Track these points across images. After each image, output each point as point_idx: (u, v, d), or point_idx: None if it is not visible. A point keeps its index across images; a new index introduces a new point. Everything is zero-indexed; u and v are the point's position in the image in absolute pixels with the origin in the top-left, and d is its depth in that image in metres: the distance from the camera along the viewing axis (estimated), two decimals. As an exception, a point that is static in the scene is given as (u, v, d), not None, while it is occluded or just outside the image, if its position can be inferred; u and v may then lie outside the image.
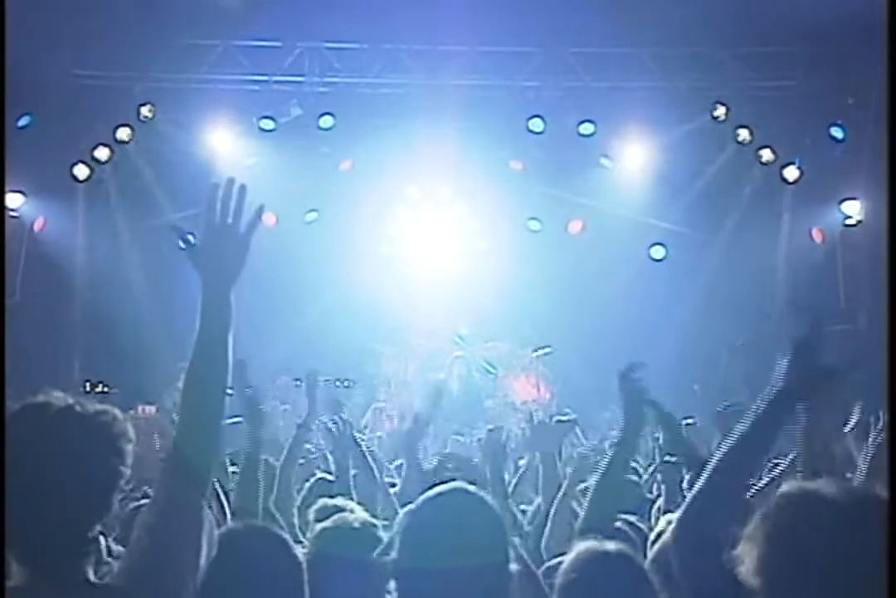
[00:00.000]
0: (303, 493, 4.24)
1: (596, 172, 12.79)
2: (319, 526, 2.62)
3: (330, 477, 4.35)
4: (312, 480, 4.44)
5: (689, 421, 5.84)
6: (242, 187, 2.07)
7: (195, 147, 12.39)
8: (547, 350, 13.00)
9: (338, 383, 11.54)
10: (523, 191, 12.89)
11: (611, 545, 2.35)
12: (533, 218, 13.26)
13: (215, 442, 1.96)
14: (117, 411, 1.87)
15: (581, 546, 2.36)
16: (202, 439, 1.94)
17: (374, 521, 2.69)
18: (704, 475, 1.91)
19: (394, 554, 1.90)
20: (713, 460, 1.93)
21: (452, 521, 1.90)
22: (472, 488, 2.02)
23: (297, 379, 10.77)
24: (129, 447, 1.85)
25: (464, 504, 1.95)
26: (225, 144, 12.48)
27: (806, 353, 2.01)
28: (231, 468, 4.32)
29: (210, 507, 1.95)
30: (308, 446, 5.06)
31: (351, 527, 2.55)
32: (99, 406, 1.86)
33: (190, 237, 2.11)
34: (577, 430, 6.32)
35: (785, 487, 1.59)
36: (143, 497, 4.05)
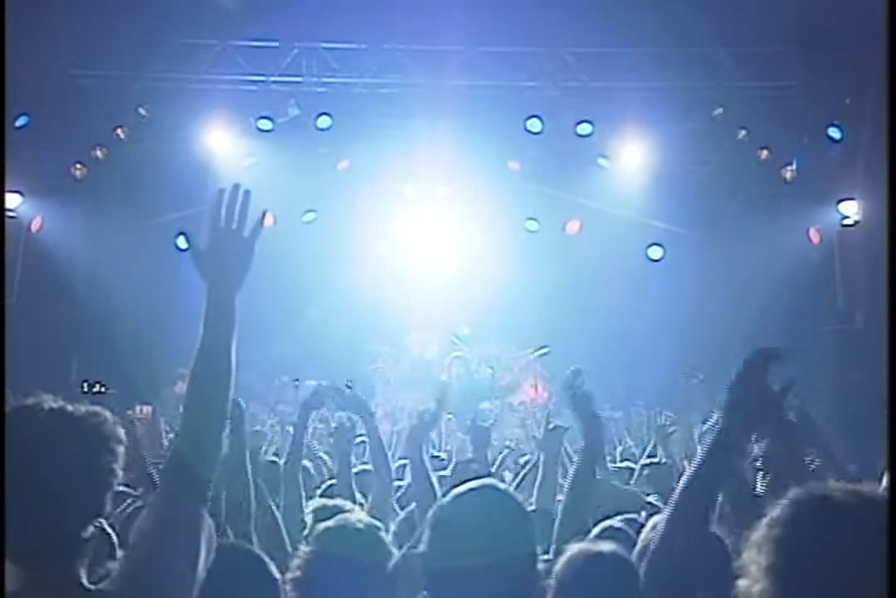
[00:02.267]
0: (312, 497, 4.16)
1: (593, 172, 12.80)
2: (322, 526, 2.61)
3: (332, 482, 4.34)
4: (324, 486, 4.40)
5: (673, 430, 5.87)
6: (247, 193, 2.09)
7: (193, 147, 12.37)
8: (545, 350, 13.01)
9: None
10: (521, 191, 12.90)
11: (605, 546, 2.34)
12: (531, 218, 13.29)
13: (217, 448, 1.94)
14: (108, 413, 1.86)
15: (574, 548, 2.35)
16: (204, 444, 1.93)
17: (377, 523, 2.68)
18: (669, 508, 1.94)
19: (423, 548, 1.90)
20: (673, 498, 1.94)
21: (483, 517, 1.90)
22: (501, 485, 2.02)
23: (295, 379, 10.78)
24: (121, 449, 1.84)
25: (495, 501, 1.95)
26: (222, 145, 12.47)
27: (744, 388, 1.97)
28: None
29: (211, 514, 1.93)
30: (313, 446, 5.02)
31: (354, 528, 2.53)
32: (90, 408, 1.85)
33: (192, 240, 2.12)
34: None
35: (795, 492, 1.57)
36: (139, 498, 4.06)
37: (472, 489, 1.98)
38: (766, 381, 1.97)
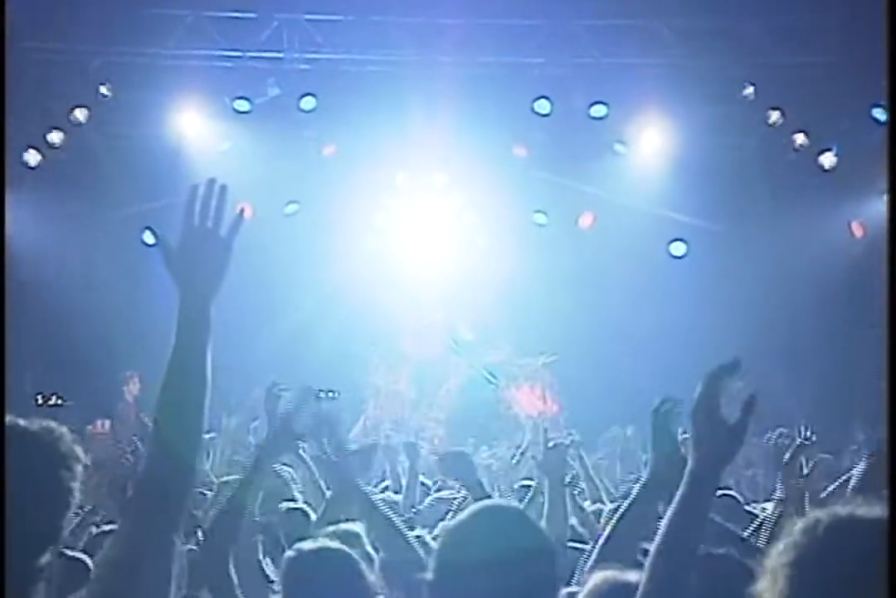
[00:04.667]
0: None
1: (609, 159, 12.86)
2: (296, 546, 2.65)
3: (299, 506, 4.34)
4: (285, 508, 4.42)
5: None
6: (223, 188, 2.13)
7: (161, 131, 12.40)
8: (554, 358, 13.04)
9: (321, 394, 11.51)
10: (527, 180, 12.95)
11: (632, 576, 2.36)
12: (538, 211, 13.32)
13: (191, 469, 1.98)
14: (65, 429, 1.88)
15: (599, 576, 2.37)
16: (177, 464, 1.95)
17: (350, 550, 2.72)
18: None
19: (430, 576, 1.92)
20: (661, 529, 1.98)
21: (497, 541, 1.91)
22: (516, 504, 2.13)
23: (280, 388, 10.76)
24: (78, 468, 1.85)
25: (510, 523, 1.97)
26: (194, 128, 12.51)
27: (701, 415, 2.03)
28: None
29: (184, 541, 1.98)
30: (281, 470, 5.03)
31: (330, 549, 2.59)
32: (45, 423, 1.86)
33: (161, 237, 2.17)
34: (581, 451, 6.32)
35: (815, 514, 1.61)
36: (103, 522, 4.08)
37: (482, 511, 2.00)
38: (720, 411, 2.03)
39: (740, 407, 2.03)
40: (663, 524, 1.91)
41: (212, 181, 2.13)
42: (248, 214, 2.53)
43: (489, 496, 3.97)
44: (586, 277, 12.83)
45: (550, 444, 4.42)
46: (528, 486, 5.25)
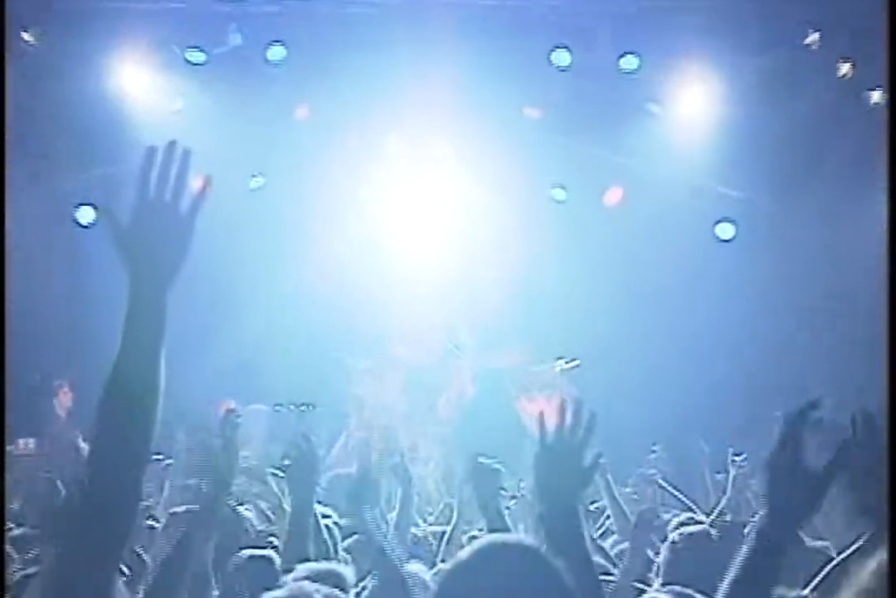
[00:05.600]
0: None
1: (641, 121, 12.87)
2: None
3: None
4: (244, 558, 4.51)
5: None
6: (186, 154, 2.15)
7: (100, 86, 12.36)
8: (575, 363, 13.05)
9: (292, 408, 11.63)
10: (543, 147, 12.91)
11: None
12: (556, 185, 13.32)
13: (135, 497, 2.01)
14: None
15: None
16: (118, 492, 1.97)
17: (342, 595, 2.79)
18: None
19: None
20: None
21: (503, 583, 2.00)
22: (529, 540, 2.12)
23: (278, 404, 10.93)
24: None
25: (520, 562, 2.04)
26: (141, 83, 12.50)
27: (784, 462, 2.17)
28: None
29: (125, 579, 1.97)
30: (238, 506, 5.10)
31: None
32: None
33: (106, 214, 2.18)
34: (608, 476, 6.37)
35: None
36: (29, 561, 4.08)
37: (487, 548, 2.06)
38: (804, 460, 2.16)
39: (829, 456, 2.14)
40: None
41: (173, 145, 2.14)
42: (203, 189, 2.55)
43: (508, 530, 4.02)
44: (614, 265, 12.83)
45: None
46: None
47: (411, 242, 13.56)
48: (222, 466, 4.02)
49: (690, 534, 4.66)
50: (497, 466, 4.52)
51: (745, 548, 2.09)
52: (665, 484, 7.50)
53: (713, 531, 4.70)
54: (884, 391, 2.45)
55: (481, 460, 4.49)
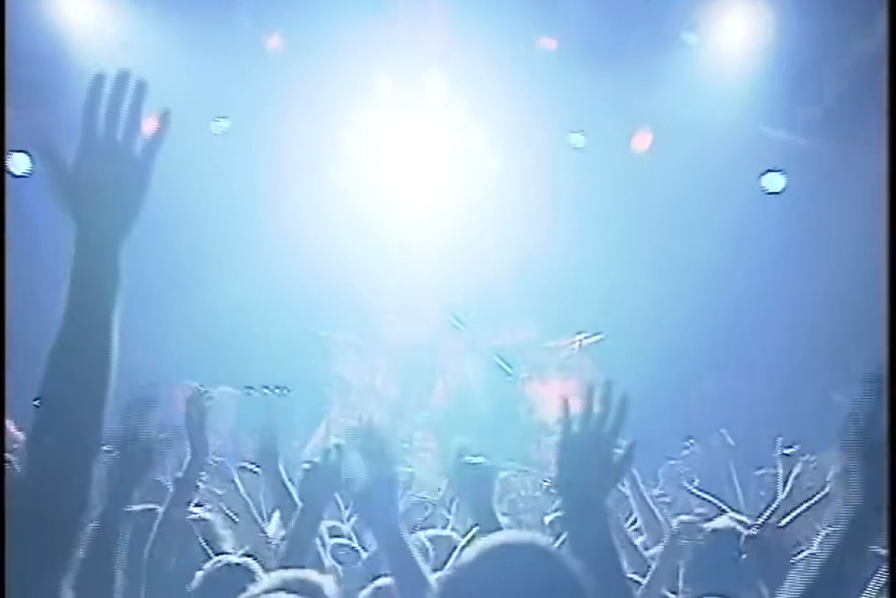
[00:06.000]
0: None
1: (674, 54, 12.82)
2: None
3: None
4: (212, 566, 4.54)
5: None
6: (142, 87, 2.14)
7: (34, 12, 12.26)
8: (597, 338, 13.13)
9: (266, 391, 11.66)
10: (559, 85, 12.88)
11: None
12: (575, 129, 13.31)
13: (84, 495, 2.01)
14: None
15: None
16: (63, 490, 1.98)
17: None
18: None
19: None
20: None
21: (515, 587, 2.04)
22: (544, 541, 2.16)
23: (248, 387, 11.01)
24: None
25: (535, 564, 2.10)
26: (85, 9, 12.41)
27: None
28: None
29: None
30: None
31: None
32: None
33: (46, 157, 2.14)
34: (635, 472, 6.41)
35: None
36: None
37: (497, 549, 2.11)
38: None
39: None
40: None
41: (125, 75, 2.13)
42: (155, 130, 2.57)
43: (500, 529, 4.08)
44: (643, 223, 12.86)
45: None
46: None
47: (403, 198, 13.58)
48: (189, 458, 4.00)
49: (717, 532, 4.70)
50: (480, 460, 4.48)
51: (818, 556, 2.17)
52: (698, 491, 7.50)
53: (748, 534, 4.71)
54: (885, 389, 2.52)
55: (467, 458, 4.48)
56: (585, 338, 13.24)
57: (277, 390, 11.81)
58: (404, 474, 6.87)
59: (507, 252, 13.16)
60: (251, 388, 10.82)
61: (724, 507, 6.97)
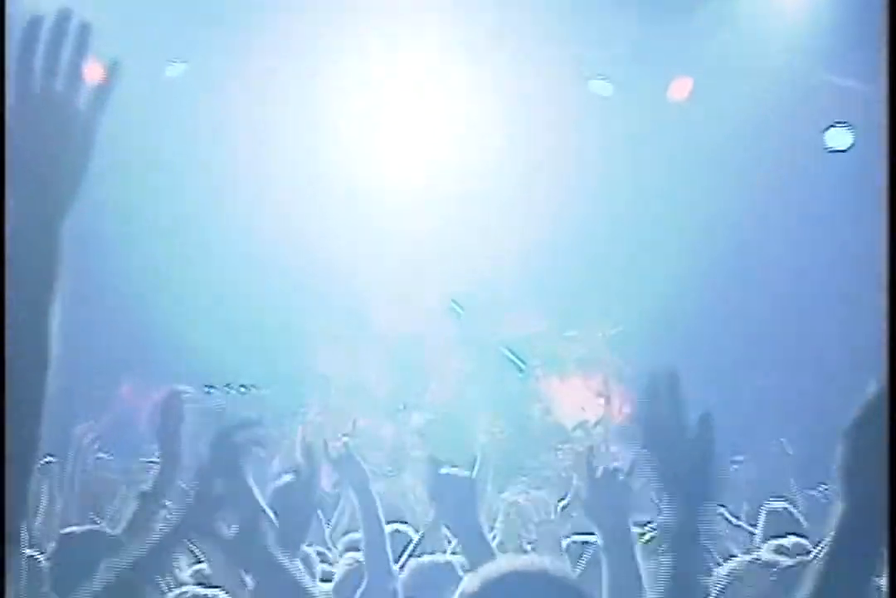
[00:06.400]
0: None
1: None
2: None
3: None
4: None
5: None
6: (85, 29, 2.17)
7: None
8: (621, 327, 13.23)
9: (229, 389, 11.68)
10: (579, 20, 12.78)
11: None
12: (600, 75, 13.39)
13: (22, 497, 2.07)
14: None
15: None
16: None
17: None
18: None
19: None
20: None
21: None
22: (559, 569, 2.29)
23: (209, 386, 11.12)
24: None
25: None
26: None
27: None
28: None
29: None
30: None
31: None
32: None
33: None
34: None
35: None
36: None
37: (503, 579, 2.23)
38: None
39: None
40: None
41: (65, 15, 2.15)
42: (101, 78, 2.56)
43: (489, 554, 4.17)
44: (680, 186, 12.78)
45: (598, 471, 4.44)
46: (588, 543, 5.29)
47: (394, 160, 13.56)
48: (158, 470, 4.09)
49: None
50: (465, 473, 4.66)
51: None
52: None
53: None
54: (885, 389, 2.63)
55: (444, 470, 4.65)
56: (611, 327, 13.31)
57: (243, 389, 12.00)
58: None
59: (519, 224, 13.11)
60: (212, 386, 10.97)
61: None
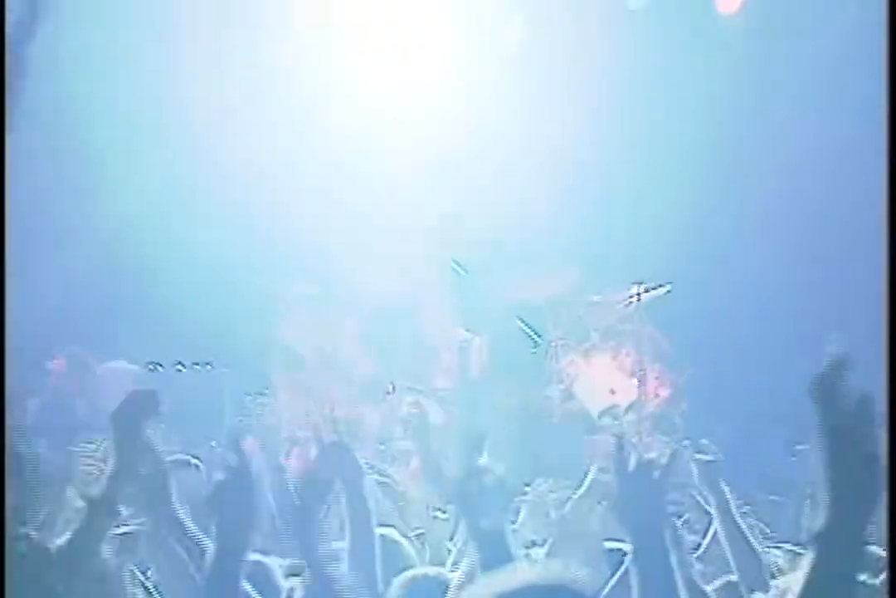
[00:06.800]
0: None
1: None
2: None
3: None
4: None
5: None
6: None
7: None
8: (663, 290, 13.16)
9: (181, 367, 12.04)
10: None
11: None
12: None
13: None
14: None
15: None
16: None
17: None
18: None
19: None
20: None
21: None
22: (579, 582, 2.51)
23: (153, 363, 11.55)
24: None
25: None
26: None
27: None
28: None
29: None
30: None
31: None
32: None
33: None
34: (723, 485, 6.54)
35: None
36: None
37: (522, 593, 2.42)
38: None
39: None
40: None
41: None
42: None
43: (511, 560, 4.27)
44: (729, 117, 12.69)
45: (632, 463, 4.52)
46: (621, 550, 5.18)
47: (388, 84, 13.49)
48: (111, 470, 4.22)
49: None
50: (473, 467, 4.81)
51: None
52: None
53: None
54: (884, 388, 2.90)
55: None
56: (646, 290, 13.13)
57: (196, 367, 12.04)
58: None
59: (533, 165, 13.04)
60: (157, 364, 11.31)
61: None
